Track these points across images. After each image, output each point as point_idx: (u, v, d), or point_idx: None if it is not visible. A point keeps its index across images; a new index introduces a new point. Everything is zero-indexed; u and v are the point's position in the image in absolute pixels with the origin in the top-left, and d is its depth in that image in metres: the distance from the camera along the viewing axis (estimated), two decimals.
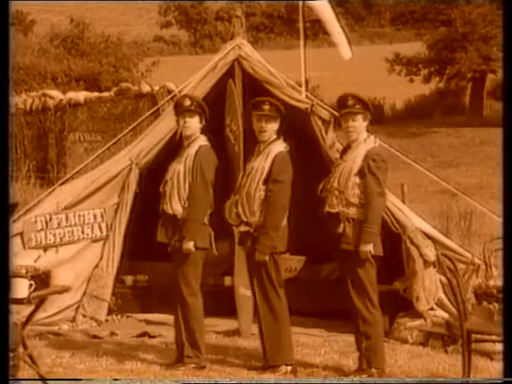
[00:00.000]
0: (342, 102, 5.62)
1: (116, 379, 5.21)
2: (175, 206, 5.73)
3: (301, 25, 7.35)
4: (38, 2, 44.38)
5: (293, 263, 7.25)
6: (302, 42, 7.27)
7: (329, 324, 6.88)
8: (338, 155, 6.73)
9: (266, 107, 5.68)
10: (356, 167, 5.50)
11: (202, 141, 5.82)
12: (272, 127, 5.67)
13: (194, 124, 5.80)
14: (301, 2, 7.16)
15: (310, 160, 7.18)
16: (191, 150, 5.79)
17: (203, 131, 5.89)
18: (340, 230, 5.49)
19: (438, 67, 24.42)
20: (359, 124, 5.55)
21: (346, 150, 5.65)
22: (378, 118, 22.61)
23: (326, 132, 6.82)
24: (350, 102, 5.55)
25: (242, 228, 5.70)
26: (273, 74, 7.06)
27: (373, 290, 5.55)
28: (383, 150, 5.89)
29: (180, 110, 5.84)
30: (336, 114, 6.93)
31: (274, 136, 5.70)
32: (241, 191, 5.69)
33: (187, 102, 5.81)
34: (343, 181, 5.50)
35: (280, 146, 5.70)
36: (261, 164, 5.65)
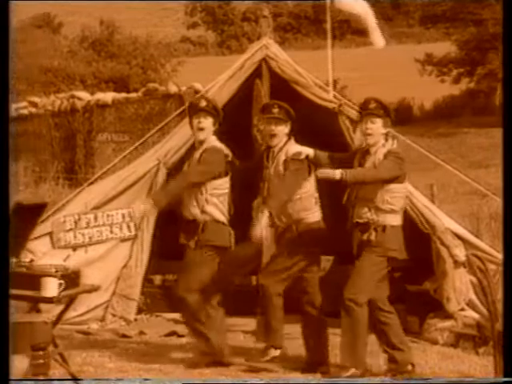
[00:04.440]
0: (364, 105, 5.63)
1: (146, 379, 5.22)
2: (194, 211, 5.72)
3: (328, 25, 7.33)
4: (66, 3, 44.70)
5: (322, 263, 7.22)
6: (329, 42, 7.26)
7: None
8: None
9: (275, 110, 5.67)
10: None
11: (212, 141, 5.77)
12: (282, 130, 5.66)
13: (208, 125, 5.76)
14: (328, 2, 7.14)
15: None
16: (199, 152, 5.77)
17: (217, 133, 5.84)
18: (368, 237, 5.46)
19: (468, 68, 24.25)
20: (377, 127, 5.52)
21: (365, 156, 5.60)
22: (407, 118, 22.49)
23: (354, 131, 6.80)
24: (372, 105, 5.55)
25: (280, 230, 5.67)
26: (300, 73, 7.05)
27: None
28: (404, 150, 5.86)
29: (195, 110, 5.80)
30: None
31: (285, 139, 5.68)
32: (267, 200, 5.66)
33: (203, 103, 5.79)
34: (371, 188, 5.47)
35: (293, 148, 5.67)
36: (276, 169, 5.65)
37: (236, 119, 7.00)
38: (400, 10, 41.13)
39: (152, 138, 8.07)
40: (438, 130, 21.92)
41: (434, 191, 9.13)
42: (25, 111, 15.74)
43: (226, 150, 5.74)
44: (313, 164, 5.66)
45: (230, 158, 5.77)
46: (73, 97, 15.76)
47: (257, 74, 7.07)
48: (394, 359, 5.51)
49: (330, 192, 5.67)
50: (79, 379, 4.91)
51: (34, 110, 15.71)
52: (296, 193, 5.58)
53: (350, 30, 35.04)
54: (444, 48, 24.84)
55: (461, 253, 6.49)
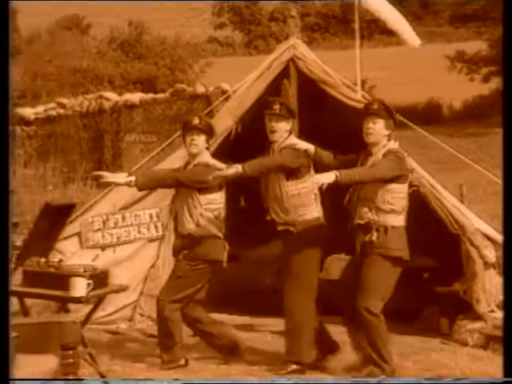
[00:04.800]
0: (367, 106, 5.65)
1: (176, 379, 5.23)
2: (188, 226, 5.75)
3: (356, 25, 7.30)
4: (94, 3, 44.99)
5: (341, 262, 7.19)
6: (357, 42, 7.23)
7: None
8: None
9: (277, 107, 5.72)
10: None
11: (205, 157, 5.81)
12: (283, 127, 5.70)
13: (200, 142, 5.81)
14: (356, 2, 7.11)
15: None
16: (191, 166, 5.84)
17: (208, 147, 5.89)
18: (370, 237, 5.43)
19: (499, 67, 24.01)
20: (379, 127, 5.51)
21: (367, 157, 5.58)
22: (436, 118, 22.31)
23: None
24: (375, 106, 5.56)
25: (281, 227, 5.72)
26: (328, 73, 7.02)
27: None
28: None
29: (188, 128, 5.86)
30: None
31: (286, 135, 5.72)
32: (268, 197, 5.71)
33: (196, 121, 5.85)
34: (371, 189, 5.44)
35: (290, 140, 5.70)
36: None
37: (263, 119, 6.99)
38: (429, 10, 40.87)
39: (179, 139, 8.07)
40: (467, 129, 21.73)
41: (463, 191, 9.05)
42: (53, 112, 15.86)
43: (219, 165, 5.76)
44: (314, 161, 5.67)
45: None
46: (101, 97, 15.86)
47: (284, 74, 7.05)
48: (370, 359, 5.44)
49: (332, 191, 5.67)
50: (108, 379, 4.94)
51: (62, 111, 15.83)
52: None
53: (378, 29, 34.88)
54: (475, 46, 24.62)
55: (491, 254, 6.43)
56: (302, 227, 5.64)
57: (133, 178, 5.62)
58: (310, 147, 5.66)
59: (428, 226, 6.83)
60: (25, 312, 5.28)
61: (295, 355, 5.65)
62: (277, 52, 7.17)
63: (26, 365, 3.87)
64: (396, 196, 5.47)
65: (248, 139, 7.07)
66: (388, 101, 5.87)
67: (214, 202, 5.76)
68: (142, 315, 6.99)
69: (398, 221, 5.48)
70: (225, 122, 7.09)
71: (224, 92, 12.08)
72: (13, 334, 3.79)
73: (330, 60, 7.58)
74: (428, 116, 21.29)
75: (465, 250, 6.53)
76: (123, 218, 7.16)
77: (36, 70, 19.61)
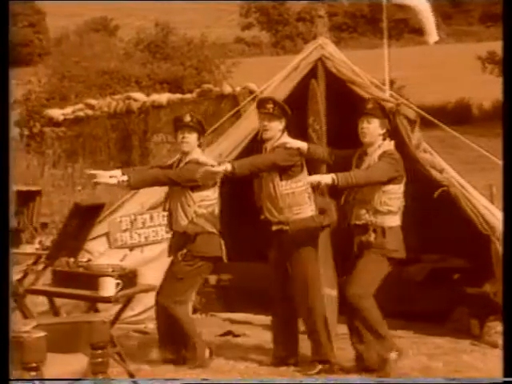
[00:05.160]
0: (363, 105, 5.63)
1: (204, 379, 5.24)
2: (183, 224, 5.75)
3: (384, 24, 7.26)
4: (120, 4, 45.26)
5: None
6: (385, 41, 7.18)
7: (416, 326, 6.78)
8: (423, 154, 6.62)
9: (270, 106, 5.73)
10: None
11: (196, 154, 5.82)
12: (275, 126, 5.72)
13: (192, 140, 5.81)
14: (384, 1, 7.07)
15: None
16: (183, 163, 5.84)
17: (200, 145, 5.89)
18: (368, 238, 5.44)
19: None
20: (374, 127, 5.51)
21: (362, 156, 5.57)
22: (466, 118, 22.11)
23: (412, 131, 6.70)
24: (370, 106, 5.55)
25: (275, 227, 5.72)
26: (357, 73, 6.98)
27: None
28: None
29: (179, 125, 5.87)
30: (422, 113, 6.83)
31: (279, 134, 5.72)
32: (262, 197, 5.73)
33: (187, 118, 5.84)
34: (368, 190, 5.43)
35: (283, 139, 5.70)
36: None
37: (291, 119, 6.97)
38: (459, 9, 40.57)
39: (206, 139, 8.08)
40: (497, 129, 21.50)
41: (493, 192, 8.95)
42: (81, 113, 15.97)
43: (211, 162, 5.77)
44: (310, 158, 5.67)
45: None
46: (128, 98, 15.94)
47: (312, 74, 7.02)
48: (361, 357, 5.47)
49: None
50: (137, 379, 4.95)
51: (90, 111, 15.93)
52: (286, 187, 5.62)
53: (407, 29, 34.73)
54: None
55: None
56: (297, 226, 5.65)
57: (125, 178, 5.61)
58: (303, 145, 5.68)
59: (458, 226, 6.77)
60: (55, 311, 5.31)
61: (321, 355, 5.63)
62: (305, 52, 7.14)
63: (56, 364, 3.89)
64: (392, 197, 5.49)
65: None
66: (417, 101, 5.86)
67: (208, 199, 5.77)
68: None
69: (395, 221, 5.52)
70: (252, 122, 7.07)
71: (251, 92, 12.10)
72: (42, 333, 3.81)
73: (357, 60, 7.54)
74: (458, 116, 21.10)
75: (495, 250, 6.47)
76: (151, 218, 7.17)
77: (64, 72, 19.73)
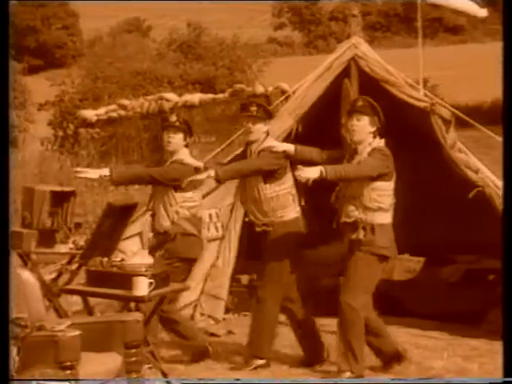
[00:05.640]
0: (353, 103, 5.60)
1: (237, 379, 5.23)
2: (164, 224, 5.76)
3: (419, 23, 7.20)
4: (153, 4, 45.46)
5: (412, 264, 7.12)
6: (420, 40, 7.13)
7: (451, 327, 6.71)
8: (458, 154, 6.56)
9: (253, 108, 5.72)
10: None
11: (182, 154, 5.82)
12: (259, 128, 5.71)
13: (177, 140, 5.82)
14: (419, 0, 7.02)
15: (427, 159, 7.02)
16: (168, 163, 5.87)
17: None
18: (357, 236, 5.40)
19: None
20: (363, 125, 5.47)
21: (353, 155, 5.53)
22: (496, 118, 21.84)
23: (447, 131, 6.63)
24: (360, 103, 5.52)
25: (259, 228, 5.73)
26: (390, 72, 6.94)
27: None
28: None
29: (165, 125, 5.90)
30: (457, 112, 6.77)
31: (264, 136, 5.71)
32: (246, 199, 5.72)
33: (173, 118, 5.86)
34: (357, 187, 5.40)
35: (268, 142, 5.68)
36: None
37: (324, 119, 6.95)
38: (494, 8, 40.19)
39: (238, 139, 8.08)
40: None
41: None
42: (114, 114, 16.08)
43: (197, 164, 5.76)
44: (299, 160, 5.61)
45: (202, 171, 5.76)
46: (161, 98, 16.01)
47: (345, 73, 6.99)
48: (347, 360, 5.41)
49: (310, 192, 5.61)
50: (168, 379, 4.96)
51: (123, 112, 16.03)
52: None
53: (442, 27, 34.46)
54: None
55: None
56: (281, 228, 5.65)
57: (107, 173, 5.66)
58: (290, 147, 5.65)
59: (493, 227, 6.69)
60: (89, 311, 5.34)
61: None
62: (338, 51, 7.12)
63: (90, 363, 3.92)
64: (382, 194, 5.44)
65: (308, 139, 7.04)
66: (452, 100, 5.79)
67: (190, 200, 5.78)
68: (202, 314, 7.02)
69: (385, 218, 5.46)
70: (285, 121, 7.06)
71: (283, 92, 12.08)
72: (77, 332, 3.83)
73: (391, 59, 7.50)
74: (493, 116, 20.82)
75: None
76: None
77: (97, 73, 19.88)
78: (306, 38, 43.74)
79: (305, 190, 5.76)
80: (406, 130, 6.74)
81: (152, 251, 5.79)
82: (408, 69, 7.50)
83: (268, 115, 5.79)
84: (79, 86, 18.97)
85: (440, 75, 16.91)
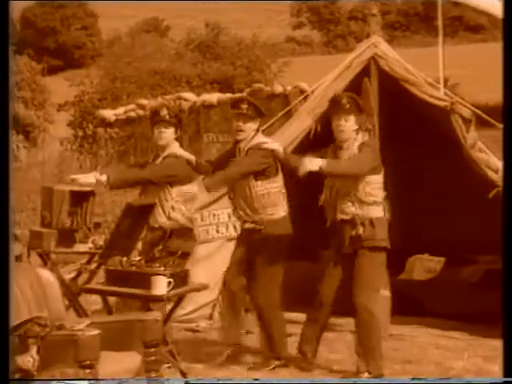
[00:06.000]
0: (337, 102, 5.54)
1: (256, 379, 5.22)
2: (160, 219, 5.75)
3: (439, 22, 7.17)
4: (172, 4, 45.54)
5: (432, 264, 7.08)
6: (440, 39, 7.09)
7: (471, 328, 6.67)
8: (478, 154, 6.51)
9: (244, 106, 5.68)
10: None
11: (173, 148, 5.82)
12: (249, 127, 5.68)
13: (168, 134, 5.82)
14: None
15: (447, 159, 6.98)
16: (160, 159, 5.85)
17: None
18: (357, 232, 5.40)
19: None
20: (350, 125, 5.46)
21: (337, 151, 5.52)
22: None
23: (468, 131, 6.58)
24: (345, 103, 5.47)
25: (248, 225, 5.71)
26: (410, 71, 6.89)
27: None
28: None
29: (156, 120, 5.91)
30: (477, 111, 6.72)
31: (253, 133, 5.68)
32: (236, 195, 5.71)
33: (163, 112, 5.87)
34: (352, 182, 5.38)
35: (257, 139, 5.66)
36: None
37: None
38: None
39: None
40: None
41: None
42: (133, 113, 16.11)
43: (189, 156, 5.75)
44: (283, 163, 5.60)
45: (194, 164, 5.78)
46: (179, 98, 16.02)
47: (365, 72, 6.96)
48: (365, 361, 5.40)
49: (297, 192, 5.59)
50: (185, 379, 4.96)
51: (141, 112, 16.06)
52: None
53: (462, 26, 34.25)
54: None
55: None
56: (271, 227, 5.63)
57: (104, 178, 5.65)
58: (279, 147, 5.61)
59: None
60: (108, 310, 5.35)
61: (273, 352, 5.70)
62: (357, 50, 7.09)
63: (110, 362, 3.92)
64: (375, 187, 5.45)
65: (328, 138, 7.01)
66: (472, 99, 5.74)
67: (185, 195, 5.79)
68: (221, 314, 7.00)
69: (380, 211, 5.47)
70: (304, 121, 7.04)
71: (302, 91, 12.02)
72: (96, 331, 3.84)
73: (410, 58, 7.46)
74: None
75: None
76: (202, 218, 7.19)
77: (116, 73, 19.95)
78: (325, 37, 43.66)
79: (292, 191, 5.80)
80: (426, 129, 6.70)
81: (147, 247, 5.80)
82: (428, 68, 7.46)
83: (259, 114, 5.73)
84: (98, 86, 19.06)
85: (460, 74, 16.79)
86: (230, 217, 7.15)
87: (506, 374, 4.11)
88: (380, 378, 5.31)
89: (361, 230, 5.40)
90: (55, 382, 3.60)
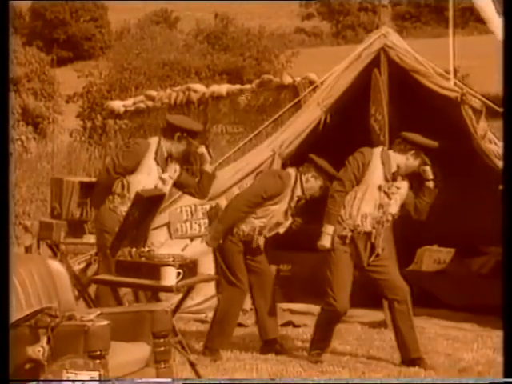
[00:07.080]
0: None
1: (272, 379, 5.22)
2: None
3: (450, 13, 7.13)
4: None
5: (441, 255, 7.06)
6: (450, 30, 7.05)
7: (481, 319, 6.65)
8: (489, 145, 6.48)
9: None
10: None
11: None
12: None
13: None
14: None
15: (458, 150, 6.94)
16: None
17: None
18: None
19: None
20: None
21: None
22: None
23: (478, 121, 6.56)
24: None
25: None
26: (420, 62, 6.87)
27: None
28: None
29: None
30: (487, 102, 6.68)
31: None
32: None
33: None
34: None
35: None
36: None
37: (352, 109, 6.90)
38: None
39: (266, 129, 8.06)
40: None
41: None
42: (142, 105, 16.10)
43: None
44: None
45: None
46: (188, 89, 15.99)
47: (375, 63, 6.94)
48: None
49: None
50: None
51: (150, 103, 16.05)
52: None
53: (472, 17, 34.01)
54: None
55: None
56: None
57: None
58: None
59: None
60: (118, 301, 5.36)
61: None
62: (367, 41, 7.07)
63: (119, 352, 3.93)
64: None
65: (337, 129, 7.00)
66: (482, 90, 5.72)
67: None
68: None
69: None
70: (313, 112, 7.03)
71: (311, 82, 11.98)
72: (106, 321, 3.84)
73: (420, 49, 7.43)
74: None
75: None
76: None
77: (125, 64, 19.94)
78: (335, 28, 43.47)
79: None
80: (436, 120, 6.66)
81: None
82: (438, 58, 7.42)
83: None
84: (107, 78, 19.05)
85: (470, 65, 16.70)
86: None
87: (506, 374, 4.08)
88: (380, 378, 5.30)
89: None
90: (55, 382, 3.60)
